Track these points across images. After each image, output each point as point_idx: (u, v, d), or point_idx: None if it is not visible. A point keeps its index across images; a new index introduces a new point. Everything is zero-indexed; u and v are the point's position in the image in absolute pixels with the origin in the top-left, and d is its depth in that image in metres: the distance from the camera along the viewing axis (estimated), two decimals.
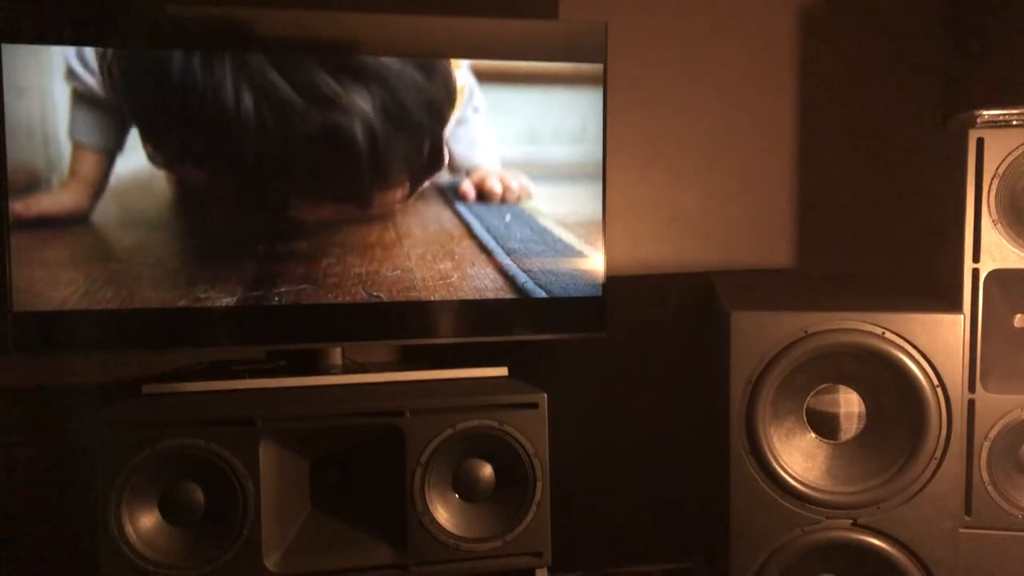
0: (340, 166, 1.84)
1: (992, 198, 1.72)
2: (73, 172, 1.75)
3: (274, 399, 1.73)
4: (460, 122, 1.90)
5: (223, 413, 1.65)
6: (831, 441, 1.72)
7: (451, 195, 1.91)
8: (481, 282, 1.92)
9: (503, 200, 1.92)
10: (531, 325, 1.96)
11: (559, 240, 1.95)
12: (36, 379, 1.97)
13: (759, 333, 1.66)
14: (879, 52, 2.29)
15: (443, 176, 1.90)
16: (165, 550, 1.62)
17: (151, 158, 1.77)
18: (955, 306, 1.73)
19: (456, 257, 1.91)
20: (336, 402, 1.72)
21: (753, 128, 2.25)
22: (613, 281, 2.08)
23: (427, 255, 1.90)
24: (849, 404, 1.71)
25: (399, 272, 1.89)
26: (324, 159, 1.84)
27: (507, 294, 1.93)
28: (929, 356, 1.65)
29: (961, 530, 1.73)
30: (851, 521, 1.69)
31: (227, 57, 1.77)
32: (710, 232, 2.25)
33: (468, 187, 1.90)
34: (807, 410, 1.72)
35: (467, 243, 1.91)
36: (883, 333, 1.65)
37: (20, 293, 1.72)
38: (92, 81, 1.75)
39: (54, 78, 1.73)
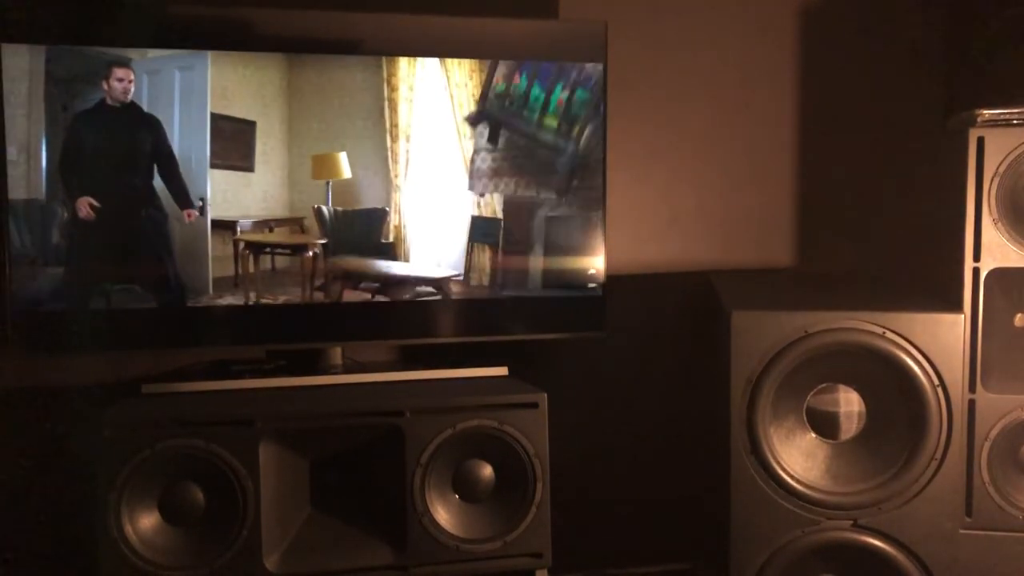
0: None
1: (992, 197, 1.72)
2: None
3: (274, 399, 1.73)
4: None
5: (223, 413, 1.65)
6: (831, 441, 1.71)
7: None
8: (481, 285, 1.92)
9: None
10: (531, 325, 1.96)
11: (558, 241, 1.95)
12: (36, 379, 1.97)
13: (759, 333, 1.66)
14: (879, 52, 2.29)
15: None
16: (165, 550, 1.62)
17: None
18: (955, 305, 1.73)
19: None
20: (336, 402, 1.72)
21: (753, 128, 2.25)
22: (613, 281, 2.08)
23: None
24: (849, 404, 1.71)
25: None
26: None
27: (507, 294, 1.93)
28: (929, 356, 1.65)
29: (961, 531, 1.72)
30: (851, 522, 1.69)
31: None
32: (710, 232, 2.25)
33: None
34: (807, 410, 1.71)
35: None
36: (883, 332, 1.65)
37: (20, 293, 1.72)
38: None
39: None
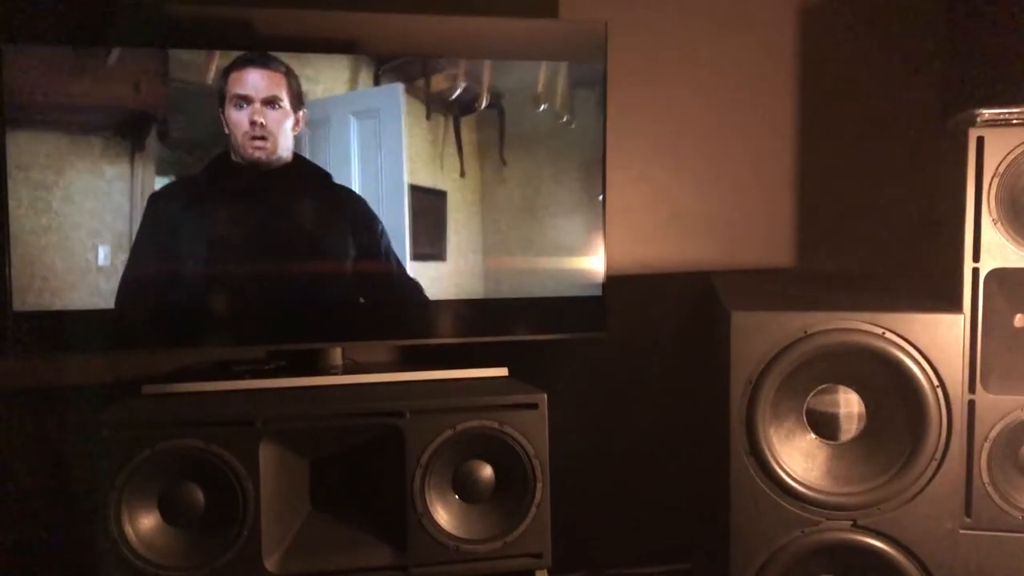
0: None
1: (992, 197, 1.72)
2: None
3: (274, 399, 1.73)
4: None
5: (223, 413, 1.65)
6: (831, 442, 1.71)
7: None
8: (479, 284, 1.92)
9: None
10: (531, 325, 1.95)
11: (559, 241, 1.95)
12: (36, 379, 1.97)
13: (759, 333, 1.66)
14: (879, 52, 2.29)
15: None
16: (165, 551, 1.62)
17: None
18: (955, 306, 1.73)
19: None
20: (336, 403, 1.72)
21: (753, 128, 2.25)
22: (613, 281, 2.08)
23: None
24: (849, 404, 1.71)
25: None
26: None
27: (507, 294, 1.93)
28: (929, 356, 1.65)
29: (961, 531, 1.72)
30: (851, 522, 1.69)
31: None
32: (710, 232, 2.25)
33: None
34: (807, 410, 1.71)
35: None
36: (883, 333, 1.65)
37: (20, 292, 1.72)
38: None
39: None
